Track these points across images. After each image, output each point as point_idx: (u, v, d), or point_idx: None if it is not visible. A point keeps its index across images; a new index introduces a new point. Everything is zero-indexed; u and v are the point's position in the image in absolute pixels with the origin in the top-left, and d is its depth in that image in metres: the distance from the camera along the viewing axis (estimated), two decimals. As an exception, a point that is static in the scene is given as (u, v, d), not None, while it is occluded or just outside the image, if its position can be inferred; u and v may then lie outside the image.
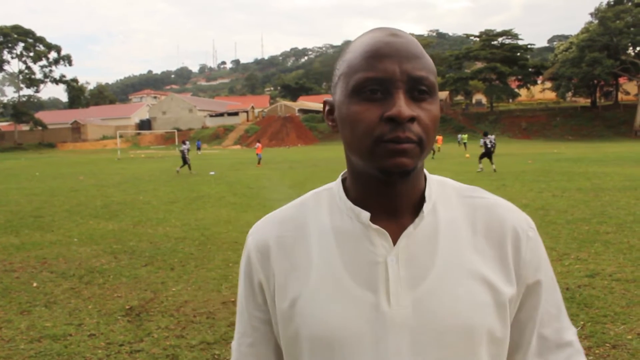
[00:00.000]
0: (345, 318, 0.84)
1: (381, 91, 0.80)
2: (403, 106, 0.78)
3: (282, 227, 0.94)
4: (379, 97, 0.80)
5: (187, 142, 24.99)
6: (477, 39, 77.15)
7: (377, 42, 0.82)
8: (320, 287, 0.87)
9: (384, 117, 0.79)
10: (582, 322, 4.49)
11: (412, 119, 0.79)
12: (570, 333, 0.95)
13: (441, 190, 0.92)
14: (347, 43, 0.88)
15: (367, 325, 0.83)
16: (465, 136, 45.57)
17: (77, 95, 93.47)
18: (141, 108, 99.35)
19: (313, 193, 0.98)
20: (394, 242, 0.86)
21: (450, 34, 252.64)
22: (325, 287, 0.86)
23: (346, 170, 0.95)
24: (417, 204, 0.89)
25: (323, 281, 0.87)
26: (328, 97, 0.94)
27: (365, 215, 0.87)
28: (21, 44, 75.77)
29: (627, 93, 69.89)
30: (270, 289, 0.92)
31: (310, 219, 0.93)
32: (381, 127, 0.79)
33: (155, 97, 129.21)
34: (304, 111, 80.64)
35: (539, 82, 74.20)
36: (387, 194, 0.87)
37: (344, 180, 0.95)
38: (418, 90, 0.81)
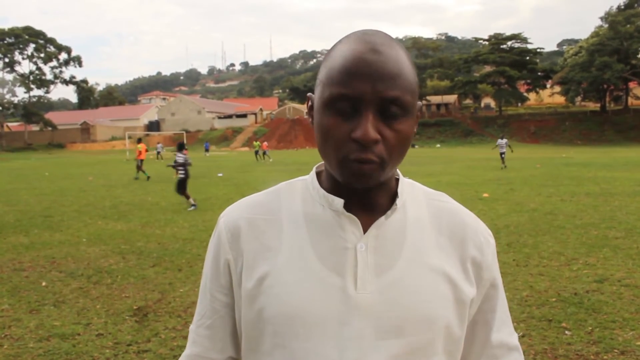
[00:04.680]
0: (312, 299, 0.87)
1: (352, 108, 0.82)
2: (369, 129, 0.80)
3: (254, 210, 0.97)
4: (349, 112, 0.83)
5: None
6: (486, 43, 76.90)
7: (355, 58, 0.82)
8: (288, 267, 0.89)
9: (351, 137, 0.82)
10: (590, 328, 4.47)
11: (377, 141, 0.82)
12: (516, 337, 1.03)
13: (411, 191, 0.98)
14: (336, 44, 0.90)
15: (332, 307, 0.86)
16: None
17: (87, 96, 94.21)
18: (150, 109, 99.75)
19: (287, 183, 1.01)
20: (365, 231, 0.90)
21: (459, 37, 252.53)
22: (294, 268, 0.89)
23: (320, 163, 1.00)
24: (388, 201, 0.94)
25: (291, 262, 0.89)
26: (311, 94, 0.96)
27: (339, 201, 0.90)
28: (32, 45, 76.42)
29: (637, 98, 69.33)
30: (238, 270, 0.94)
31: (283, 205, 0.96)
32: (348, 146, 0.83)
33: (164, 99, 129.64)
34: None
35: (548, 86, 73.77)
36: (358, 193, 0.91)
37: (318, 173, 0.98)
38: (390, 110, 0.83)
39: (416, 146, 62.74)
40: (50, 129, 77.07)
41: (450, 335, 0.91)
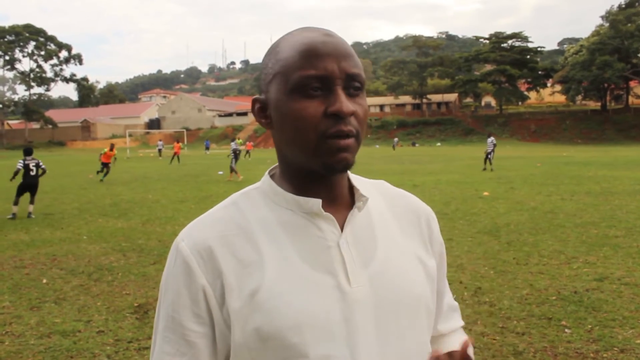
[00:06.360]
0: (312, 303, 0.85)
1: (322, 88, 0.85)
2: (345, 102, 0.84)
3: (220, 227, 0.91)
4: (319, 94, 0.85)
5: None
6: (487, 41, 76.84)
7: (314, 42, 0.86)
8: (279, 278, 0.86)
9: (328, 112, 0.84)
10: (590, 326, 4.47)
11: (353, 114, 0.86)
12: (453, 298, 1.13)
13: (361, 182, 0.99)
14: (276, 43, 0.92)
15: (334, 307, 0.86)
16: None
17: (87, 94, 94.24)
18: (150, 107, 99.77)
19: (240, 194, 0.97)
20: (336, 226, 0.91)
21: (460, 36, 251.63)
22: (285, 278, 0.86)
23: (272, 168, 0.99)
24: (348, 194, 0.96)
25: (281, 272, 0.87)
26: (258, 97, 0.94)
27: (315, 202, 0.89)
28: (32, 43, 76.42)
29: (638, 97, 69.28)
30: (217, 293, 0.87)
31: (249, 217, 0.92)
32: (325, 122, 0.84)
33: (164, 97, 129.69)
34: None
35: (548, 85, 73.73)
36: (326, 185, 0.92)
37: (272, 177, 0.96)
38: (353, 87, 0.87)
39: (417, 144, 62.73)
40: (50, 126, 77.11)
41: (428, 310, 0.96)
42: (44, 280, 6.20)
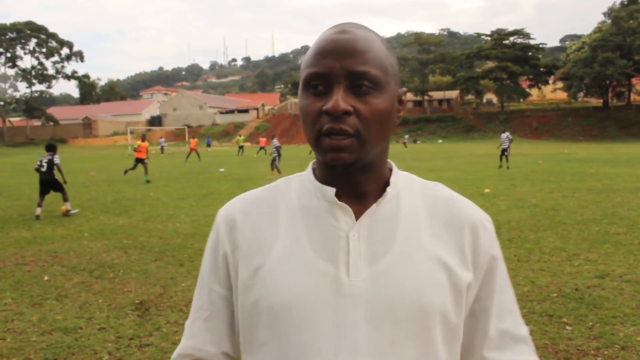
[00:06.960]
0: (305, 287, 0.88)
1: (324, 86, 0.86)
2: (338, 100, 0.83)
3: (250, 204, 1.00)
4: (322, 91, 0.86)
5: None
6: (489, 38, 76.61)
7: (324, 40, 0.88)
8: (283, 258, 0.91)
9: (322, 110, 0.85)
10: (591, 323, 4.47)
11: (348, 113, 0.84)
12: (525, 329, 1.00)
13: (406, 182, 0.99)
14: None
15: (326, 295, 0.87)
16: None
17: (89, 91, 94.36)
18: (152, 104, 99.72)
19: (284, 179, 1.03)
20: (357, 220, 0.91)
21: (462, 32, 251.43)
22: (288, 258, 0.90)
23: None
24: (380, 190, 0.95)
25: (286, 253, 0.91)
26: None
27: (331, 191, 0.92)
28: (34, 40, 76.33)
29: (640, 93, 69.15)
30: (235, 261, 0.95)
31: (280, 199, 0.98)
32: (321, 120, 0.86)
33: (166, 94, 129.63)
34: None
35: (550, 82, 73.61)
36: (349, 180, 0.92)
37: (314, 169, 1.00)
38: (360, 85, 0.85)
39: (418, 141, 62.71)
40: (52, 124, 77.07)
41: (446, 322, 0.90)
42: (46, 278, 6.21)
